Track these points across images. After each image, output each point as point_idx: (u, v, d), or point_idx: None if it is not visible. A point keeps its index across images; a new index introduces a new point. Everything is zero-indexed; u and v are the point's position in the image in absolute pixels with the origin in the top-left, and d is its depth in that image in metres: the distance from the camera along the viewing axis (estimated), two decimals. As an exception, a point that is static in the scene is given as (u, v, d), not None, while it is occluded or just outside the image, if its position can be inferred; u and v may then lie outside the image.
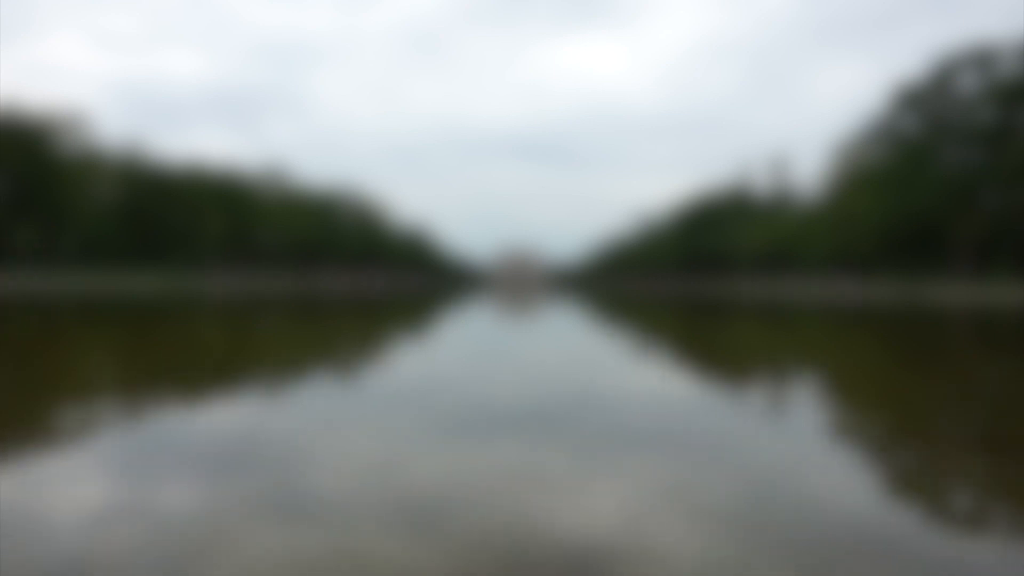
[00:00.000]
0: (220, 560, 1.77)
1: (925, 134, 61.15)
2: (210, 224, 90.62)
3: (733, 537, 1.96)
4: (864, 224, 66.11)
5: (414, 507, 2.19)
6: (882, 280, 60.00)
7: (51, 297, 24.18)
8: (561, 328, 10.23)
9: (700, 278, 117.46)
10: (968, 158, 58.08)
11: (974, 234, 57.51)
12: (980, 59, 57.80)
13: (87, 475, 2.50)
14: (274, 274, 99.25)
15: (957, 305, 22.56)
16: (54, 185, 70.77)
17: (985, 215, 56.62)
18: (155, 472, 2.56)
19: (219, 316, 13.03)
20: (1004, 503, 2.27)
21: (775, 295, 35.70)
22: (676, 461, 2.77)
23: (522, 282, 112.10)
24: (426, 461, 2.74)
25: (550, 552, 1.85)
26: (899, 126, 64.06)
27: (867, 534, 1.99)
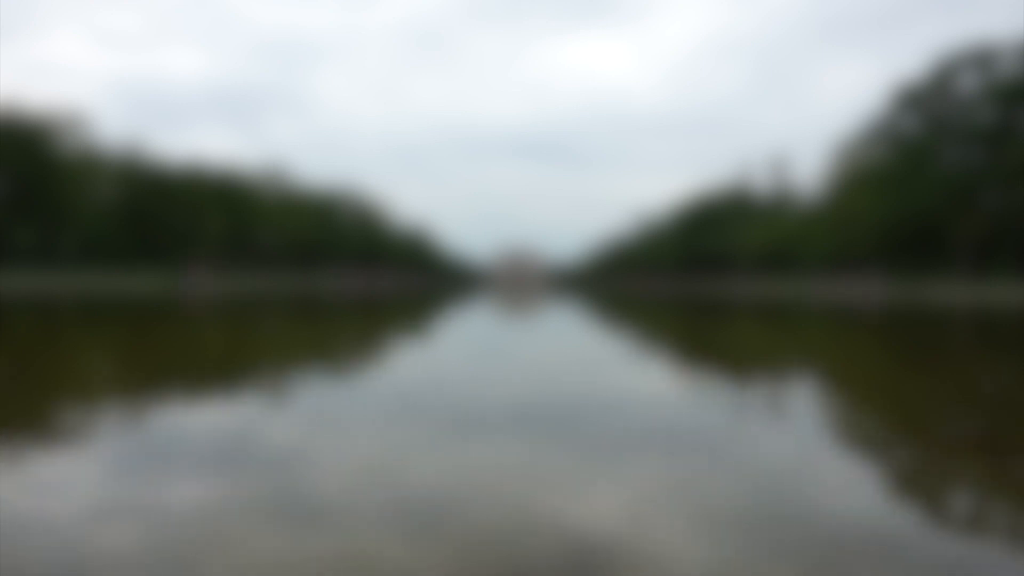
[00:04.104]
0: (221, 561, 1.76)
1: (925, 134, 61.16)
2: (210, 224, 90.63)
3: (736, 537, 1.95)
4: (864, 224, 66.11)
5: (416, 508, 2.19)
6: (883, 280, 59.98)
7: (51, 297, 24.18)
8: (562, 328, 10.23)
9: (700, 278, 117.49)
10: (968, 158, 58.08)
11: (974, 234, 57.50)
12: (980, 59, 57.80)
13: (87, 475, 2.50)
14: (274, 274, 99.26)
15: (961, 305, 22.56)
16: (54, 185, 70.78)
17: (985, 215, 56.61)
18: (155, 472, 2.55)
19: (218, 316, 13.03)
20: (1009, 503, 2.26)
21: (776, 295, 35.70)
22: (678, 461, 2.77)
23: (522, 282, 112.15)
24: (428, 462, 2.74)
25: (553, 553, 1.84)
26: (899, 126, 64.06)
27: (869, 534, 1.98)
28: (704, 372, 5.48)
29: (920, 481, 2.51)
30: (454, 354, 6.61)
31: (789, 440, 3.15)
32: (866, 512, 2.17)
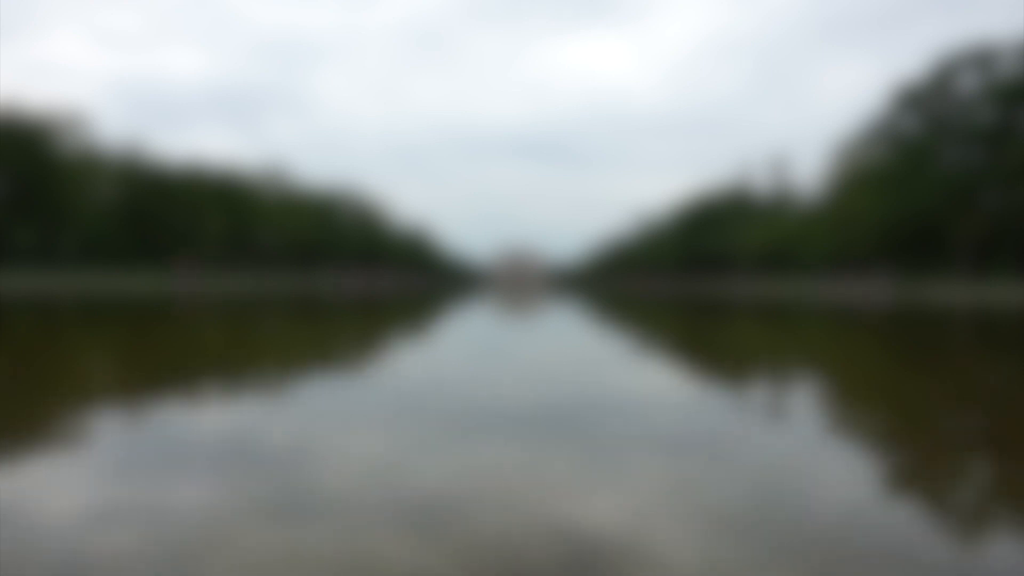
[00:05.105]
0: (223, 561, 1.76)
1: (925, 134, 61.13)
2: (210, 224, 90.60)
3: (738, 538, 1.95)
4: (864, 224, 66.09)
5: (418, 509, 2.19)
6: (883, 280, 59.97)
7: (51, 297, 24.17)
8: (562, 329, 10.23)
9: (700, 278, 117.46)
10: (968, 158, 58.05)
11: (974, 234, 57.49)
12: (980, 59, 57.77)
13: (88, 475, 2.50)
14: (274, 274, 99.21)
15: (961, 305, 22.55)
16: (54, 185, 70.74)
17: (985, 215, 56.59)
18: (156, 472, 2.55)
19: (219, 316, 13.02)
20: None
21: (777, 295, 35.68)
22: (680, 462, 2.76)
23: (522, 282, 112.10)
24: (429, 462, 2.74)
25: (555, 553, 1.84)
26: (899, 126, 64.04)
27: (870, 534, 1.98)
28: (705, 373, 5.47)
29: (921, 481, 2.51)
30: (454, 354, 6.61)
31: (791, 441, 3.14)
32: (867, 512, 2.17)
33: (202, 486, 2.39)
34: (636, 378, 5.10)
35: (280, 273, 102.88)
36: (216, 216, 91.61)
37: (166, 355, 6.36)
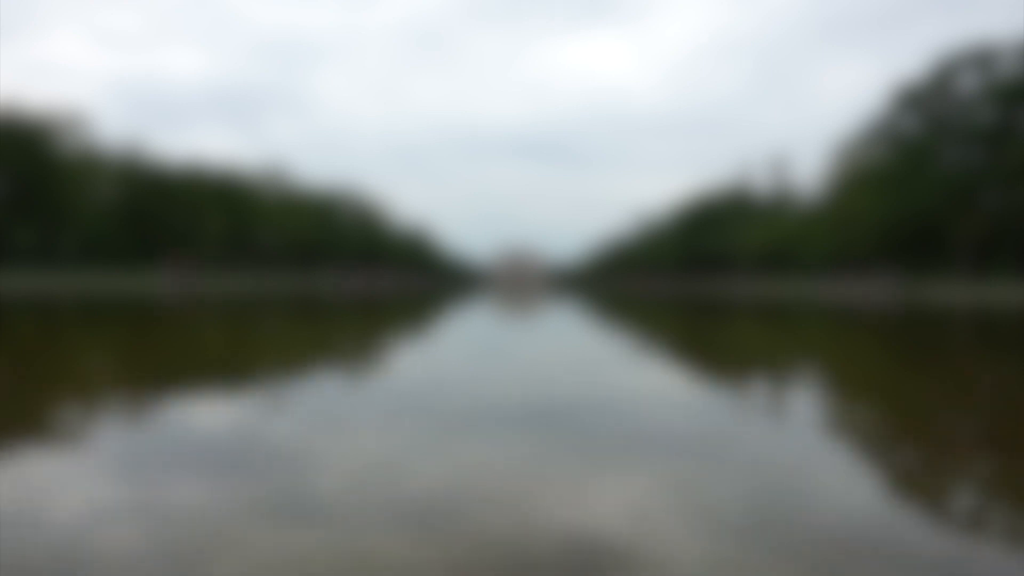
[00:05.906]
0: (223, 562, 1.76)
1: (925, 134, 61.13)
2: (210, 224, 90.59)
3: (738, 538, 1.95)
4: (864, 224, 66.09)
5: (419, 509, 2.18)
6: (883, 280, 59.99)
7: (50, 297, 24.17)
8: (562, 329, 10.23)
9: (700, 278, 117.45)
10: (968, 158, 58.06)
11: (974, 234, 57.48)
12: (980, 59, 57.78)
13: (88, 476, 2.50)
14: (274, 274, 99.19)
15: (962, 305, 22.54)
16: (54, 185, 70.74)
17: (985, 215, 56.59)
18: (156, 473, 2.55)
19: (219, 316, 13.02)
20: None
21: (777, 295, 35.68)
22: (680, 462, 2.76)
23: (522, 282, 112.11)
24: (430, 462, 2.74)
25: (556, 553, 1.84)
26: (899, 126, 64.03)
27: (870, 534, 1.98)
28: (705, 373, 5.47)
29: (921, 481, 2.51)
30: (454, 354, 6.60)
31: (790, 440, 3.14)
32: (866, 512, 2.17)
33: (199, 486, 2.39)
34: (636, 378, 5.10)
35: (280, 273, 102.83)
36: (216, 216, 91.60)
37: (164, 355, 6.36)
